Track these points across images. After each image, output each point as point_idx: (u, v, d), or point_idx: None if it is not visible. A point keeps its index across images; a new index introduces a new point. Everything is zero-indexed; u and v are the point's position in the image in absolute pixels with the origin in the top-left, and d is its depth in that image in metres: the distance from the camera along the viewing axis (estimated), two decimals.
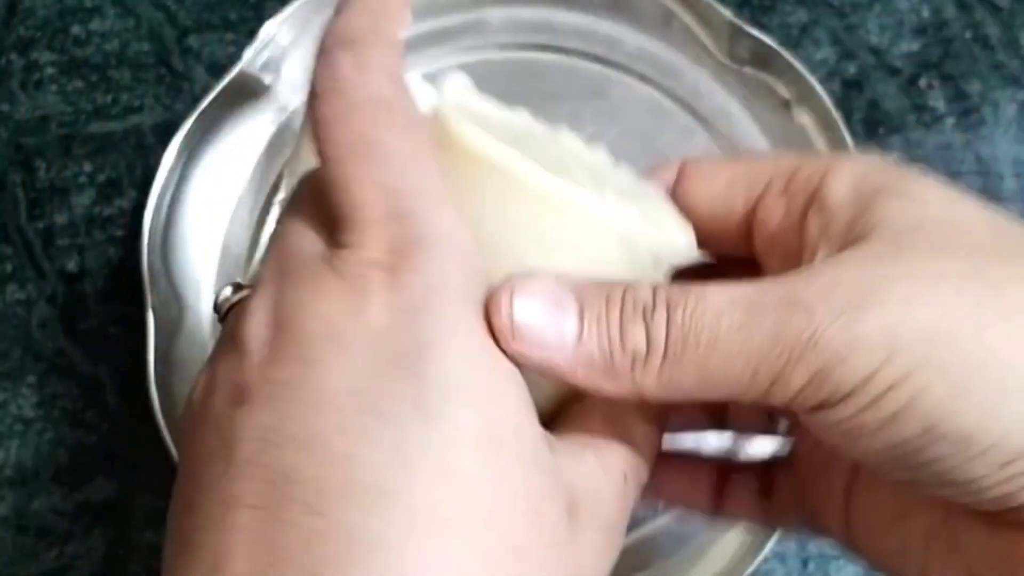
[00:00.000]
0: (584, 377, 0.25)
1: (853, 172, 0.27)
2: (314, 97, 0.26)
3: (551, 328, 0.25)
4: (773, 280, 0.25)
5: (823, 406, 0.24)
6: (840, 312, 0.23)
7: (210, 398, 0.24)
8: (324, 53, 0.26)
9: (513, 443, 0.23)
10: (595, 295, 0.25)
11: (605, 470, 0.27)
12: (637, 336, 0.25)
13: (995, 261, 0.24)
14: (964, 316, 0.23)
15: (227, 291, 0.28)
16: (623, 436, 0.27)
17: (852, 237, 0.26)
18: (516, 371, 0.25)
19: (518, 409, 0.24)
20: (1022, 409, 0.23)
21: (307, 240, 0.25)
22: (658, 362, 0.25)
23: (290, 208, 0.27)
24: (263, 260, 0.26)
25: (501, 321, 0.24)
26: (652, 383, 0.25)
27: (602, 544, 0.26)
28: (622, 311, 0.25)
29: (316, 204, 0.26)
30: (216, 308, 0.29)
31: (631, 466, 0.27)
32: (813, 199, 0.27)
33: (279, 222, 0.27)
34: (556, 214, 0.27)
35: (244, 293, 0.28)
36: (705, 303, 0.24)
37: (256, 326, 0.24)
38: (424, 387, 0.22)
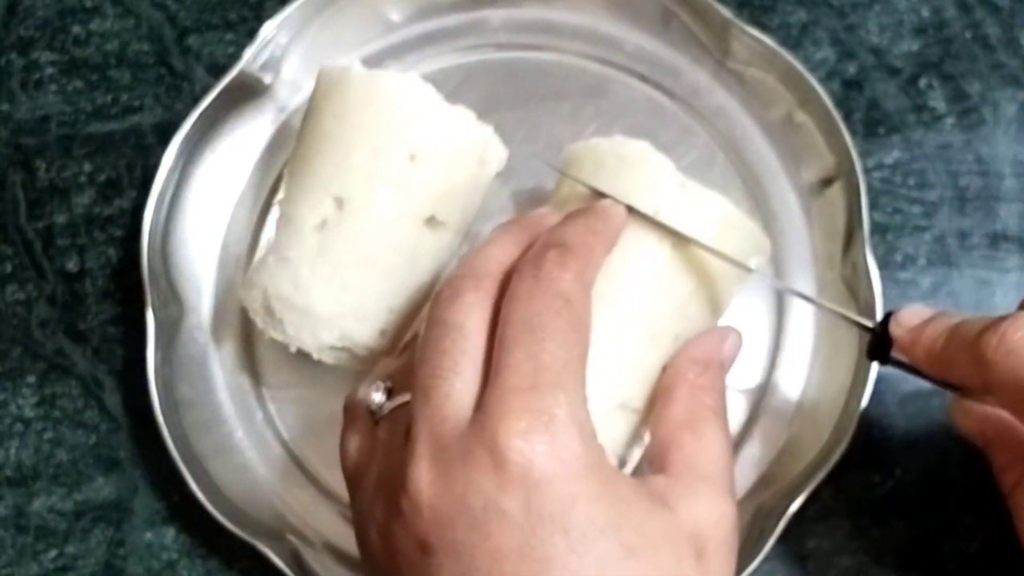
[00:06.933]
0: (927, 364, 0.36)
1: None
2: (516, 273, 0.33)
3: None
4: None
5: None
6: None
7: (392, 527, 0.32)
8: (539, 246, 0.34)
9: (644, 543, 0.31)
10: (940, 322, 0.36)
11: (717, 494, 0.33)
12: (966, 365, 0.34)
13: None
14: None
15: (378, 396, 0.35)
16: (713, 449, 0.35)
17: None
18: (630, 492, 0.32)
19: (637, 511, 0.31)
20: None
21: (459, 402, 0.32)
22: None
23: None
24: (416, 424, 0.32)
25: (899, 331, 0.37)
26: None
27: (728, 565, 0.33)
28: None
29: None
30: (366, 408, 0.35)
31: (730, 479, 0.34)
32: None
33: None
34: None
35: (400, 401, 0.35)
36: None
37: (425, 488, 0.31)
38: (570, 534, 0.30)
